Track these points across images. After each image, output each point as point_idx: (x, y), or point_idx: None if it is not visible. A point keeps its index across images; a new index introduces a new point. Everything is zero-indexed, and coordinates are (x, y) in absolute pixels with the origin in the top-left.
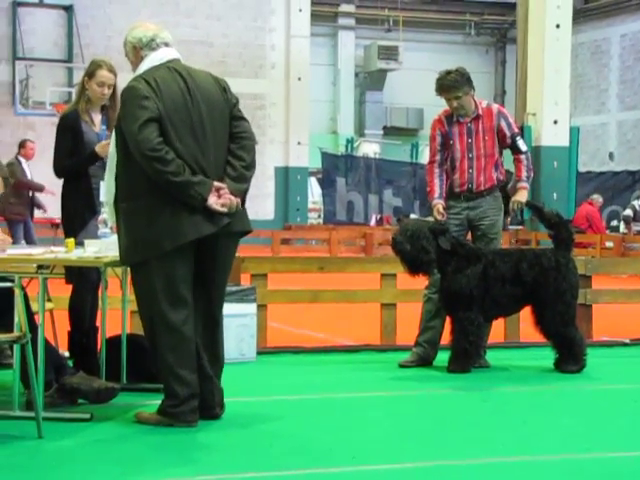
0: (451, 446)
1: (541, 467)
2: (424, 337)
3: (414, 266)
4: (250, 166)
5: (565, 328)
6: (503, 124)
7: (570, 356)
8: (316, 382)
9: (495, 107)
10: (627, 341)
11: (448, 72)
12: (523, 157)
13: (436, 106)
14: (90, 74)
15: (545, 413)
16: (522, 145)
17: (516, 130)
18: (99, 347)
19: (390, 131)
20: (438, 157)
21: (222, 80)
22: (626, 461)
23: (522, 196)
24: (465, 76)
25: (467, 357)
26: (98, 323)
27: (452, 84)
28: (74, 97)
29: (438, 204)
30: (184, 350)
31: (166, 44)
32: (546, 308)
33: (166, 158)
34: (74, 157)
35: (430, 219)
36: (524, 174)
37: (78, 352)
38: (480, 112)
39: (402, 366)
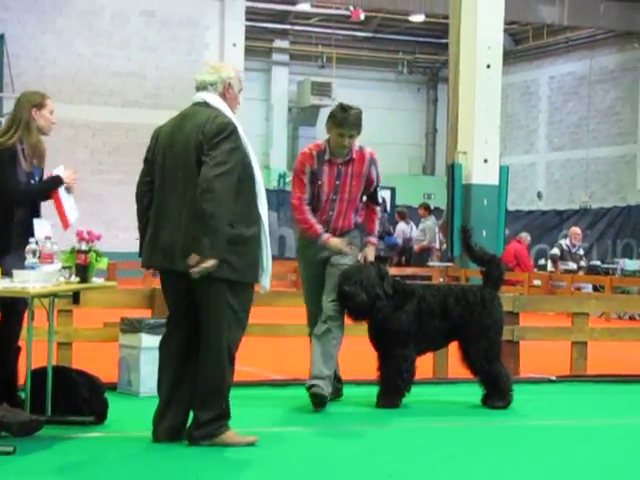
0: None
1: None
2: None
3: (366, 314)
4: (198, 217)
5: (489, 364)
6: (373, 172)
7: (496, 392)
8: (242, 415)
9: (368, 152)
10: (553, 378)
11: (349, 107)
12: (378, 210)
13: (367, 143)
14: (39, 105)
15: (472, 449)
16: (379, 197)
17: (380, 181)
18: (23, 379)
19: None
20: (307, 194)
21: (211, 118)
22: None
23: (371, 254)
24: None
25: (398, 393)
26: (24, 355)
27: (355, 122)
28: (7, 127)
29: (332, 238)
30: None
31: (199, 88)
32: (471, 344)
33: (138, 199)
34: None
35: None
36: (376, 228)
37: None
38: (353, 155)
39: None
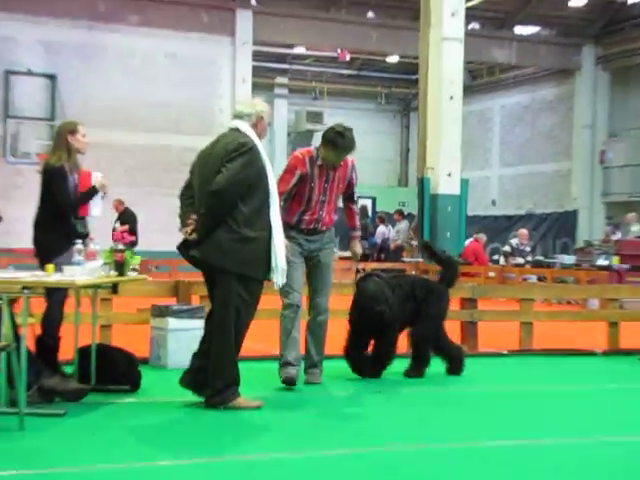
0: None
1: (437, 453)
2: (293, 356)
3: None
4: (205, 214)
5: (428, 343)
6: (353, 176)
7: (453, 364)
8: (252, 384)
9: (350, 159)
10: (505, 352)
11: (344, 130)
12: (355, 208)
13: (360, 161)
14: (72, 131)
15: (433, 408)
16: (356, 197)
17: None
18: (67, 354)
19: None
20: (286, 193)
21: (234, 139)
22: (497, 448)
23: (359, 247)
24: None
25: (385, 367)
26: (72, 335)
27: (351, 145)
28: (54, 151)
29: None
30: None
31: (235, 117)
32: (421, 325)
33: (180, 203)
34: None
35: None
36: (357, 223)
37: (44, 351)
38: (340, 162)
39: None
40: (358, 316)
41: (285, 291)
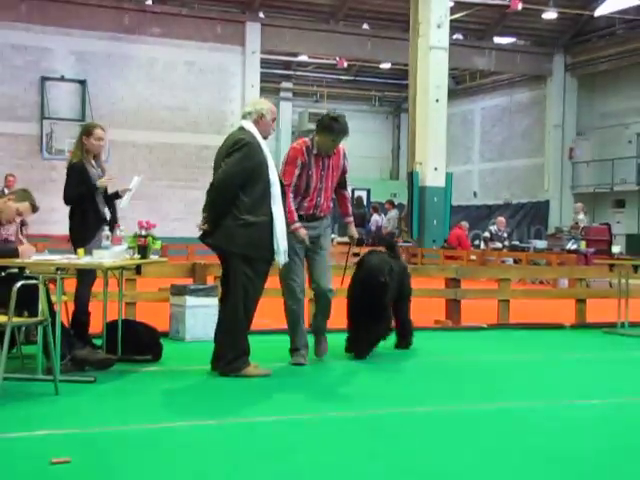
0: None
1: (423, 416)
2: (302, 342)
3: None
4: (206, 206)
5: (409, 318)
6: (346, 163)
7: (403, 340)
8: (261, 353)
9: (342, 147)
10: (485, 326)
11: (338, 116)
12: (347, 194)
13: (356, 157)
14: (88, 133)
15: (421, 376)
16: (348, 183)
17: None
18: (97, 327)
19: None
20: (294, 183)
21: (233, 136)
22: (477, 411)
23: (355, 230)
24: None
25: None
26: (100, 311)
27: (345, 129)
28: (74, 149)
29: (301, 228)
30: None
31: (242, 117)
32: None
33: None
34: (81, 189)
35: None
36: (350, 209)
37: (76, 326)
38: (335, 148)
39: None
40: (359, 290)
41: (288, 283)
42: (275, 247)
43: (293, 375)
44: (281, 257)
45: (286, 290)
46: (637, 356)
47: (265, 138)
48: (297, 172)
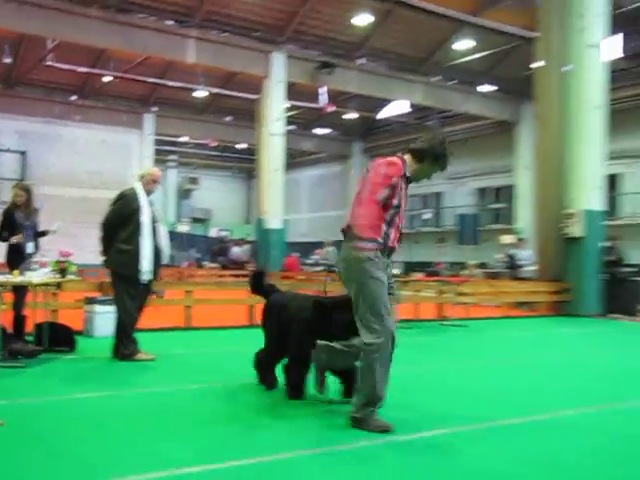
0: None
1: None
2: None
3: None
4: (100, 238)
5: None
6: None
7: None
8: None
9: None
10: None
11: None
12: None
13: (221, 208)
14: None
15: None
16: None
17: None
18: (29, 327)
19: (194, 219)
20: (381, 203)
21: (120, 192)
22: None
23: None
24: None
25: None
26: (32, 316)
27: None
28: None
29: None
30: None
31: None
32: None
33: None
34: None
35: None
36: None
37: (15, 328)
38: None
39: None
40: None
41: (378, 319)
42: (140, 268)
43: (178, 361)
44: (145, 276)
45: (374, 324)
46: None
47: (148, 194)
48: (387, 193)
